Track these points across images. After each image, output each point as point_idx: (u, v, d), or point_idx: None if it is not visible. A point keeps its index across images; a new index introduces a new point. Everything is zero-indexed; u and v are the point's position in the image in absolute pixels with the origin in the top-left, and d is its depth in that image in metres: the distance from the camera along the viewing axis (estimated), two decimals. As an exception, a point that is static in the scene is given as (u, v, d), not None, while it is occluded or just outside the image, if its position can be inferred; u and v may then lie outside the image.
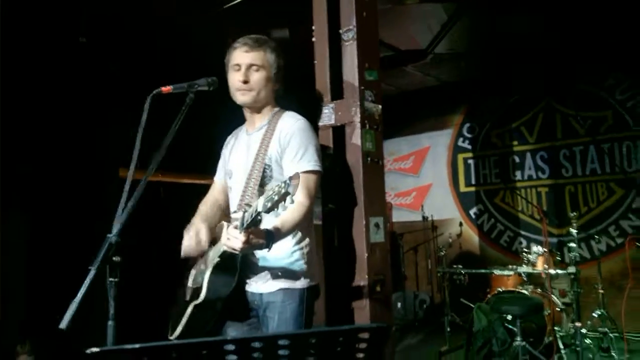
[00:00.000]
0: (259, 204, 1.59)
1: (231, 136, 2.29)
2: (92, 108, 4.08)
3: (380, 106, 2.48)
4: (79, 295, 1.41)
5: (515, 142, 6.14)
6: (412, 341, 5.43)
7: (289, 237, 1.95)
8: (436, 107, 6.60)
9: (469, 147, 6.50)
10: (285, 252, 1.97)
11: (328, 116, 2.48)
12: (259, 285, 1.98)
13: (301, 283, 1.98)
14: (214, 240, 2.02)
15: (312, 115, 2.57)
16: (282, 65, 2.10)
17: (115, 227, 1.55)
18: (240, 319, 2.03)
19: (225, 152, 2.28)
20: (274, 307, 1.94)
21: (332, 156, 2.46)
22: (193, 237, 1.99)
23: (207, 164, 2.40)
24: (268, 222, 1.81)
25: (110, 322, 1.47)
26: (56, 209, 3.82)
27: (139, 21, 3.91)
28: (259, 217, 1.63)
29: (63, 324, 1.38)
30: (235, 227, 1.73)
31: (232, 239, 1.72)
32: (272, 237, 1.78)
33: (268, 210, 1.56)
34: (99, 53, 3.99)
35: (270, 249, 1.80)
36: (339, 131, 2.48)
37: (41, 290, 3.59)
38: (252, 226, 1.69)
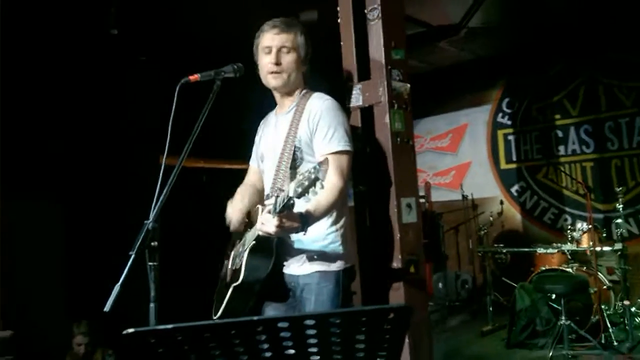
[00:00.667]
0: (290, 189, 1.60)
1: (263, 121, 2.31)
2: (130, 97, 4.18)
3: (408, 85, 2.44)
4: (121, 279, 1.48)
5: (558, 116, 5.92)
6: (454, 321, 5.39)
7: (324, 219, 1.96)
8: (472, 83, 6.43)
9: (509, 122, 6.31)
10: (320, 234, 1.99)
11: (356, 97, 2.47)
12: (295, 268, 2.01)
13: (337, 265, 1.99)
14: (250, 223, 2.06)
15: (341, 97, 2.57)
16: (310, 48, 2.10)
17: (152, 213, 1.60)
18: (279, 299, 2.06)
19: (257, 138, 2.31)
20: (310, 288, 1.96)
21: (361, 137, 2.45)
22: (237, 211, 2.08)
23: (246, 149, 2.43)
24: (302, 205, 1.83)
25: (152, 304, 1.54)
26: (97, 196, 3.96)
27: (167, 10, 3.97)
28: (292, 202, 1.65)
29: (107, 307, 1.46)
30: (269, 212, 1.75)
31: (266, 223, 1.75)
32: (306, 220, 1.79)
33: (299, 196, 1.58)
34: (130, 43, 4.08)
35: (305, 231, 1.81)
36: (367, 112, 2.46)
37: (86, 274, 3.74)
38: (284, 210, 1.71)
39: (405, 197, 2.37)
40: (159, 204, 1.65)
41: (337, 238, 2.01)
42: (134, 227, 1.64)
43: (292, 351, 1.08)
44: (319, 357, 1.11)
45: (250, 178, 2.32)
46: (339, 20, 2.57)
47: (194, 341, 1.02)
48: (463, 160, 6.68)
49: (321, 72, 2.21)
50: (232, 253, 2.15)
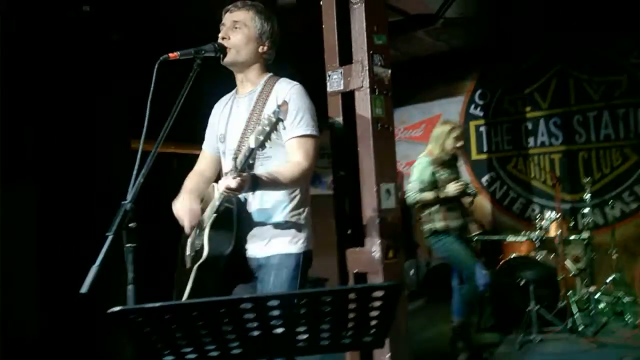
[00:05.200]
0: (251, 140, 1.58)
1: (219, 104, 2.26)
2: (102, 78, 4.05)
3: (389, 71, 2.44)
4: (98, 260, 1.44)
5: (528, 109, 6.04)
6: (424, 307, 5.48)
7: (284, 203, 1.98)
8: (447, 74, 6.49)
9: (481, 114, 6.41)
10: (282, 216, 1.99)
11: (337, 82, 2.46)
12: (256, 249, 2.00)
13: (298, 247, 2.00)
14: (204, 202, 2.03)
15: (321, 83, 2.55)
16: (269, 29, 2.06)
17: (129, 195, 1.56)
18: (244, 280, 2.06)
19: (213, 120, 2.24)
20: (269, 270, 1.97)
21: (341, 123, 2.44)
22: (189, 211, 1.95)
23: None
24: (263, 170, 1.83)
25: (130, 286, 1.50)
26: (67, 180, 3.84)
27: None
28: (253, 157, 1.63)
29: (83, 289, 1.41)
30: (233, 170, 1.70)
31: (228, 181, 1.68)
32: (257, 181, 1.75)
33: (262, 144, 1.55)
34: (103, 21, 3.95)
35: (254, 191, 1.79)
36: (348, 97, 2.46)
37: (60, 259, 3.64)
38: (246, 167, 1.68)
39: (385, 182, 2.38)
40: (136, 185, 1.61)
41: (300, 221, 2.02)
42: (109, 210, 1.60)
43: (280, 329, 1.07)
44: (307, 336, 1.11)
45: (200, 166, 2.26)
46: (321, 3, 2.54)
47: (181, 320, 1.01)
48: (436, 150, 6.75)
49: (296, 56, 2.19)
50: (189, 240, 2.11)
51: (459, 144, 3.90)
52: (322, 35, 2.56)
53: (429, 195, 3.80)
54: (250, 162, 1.65)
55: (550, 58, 5.81)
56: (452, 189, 3.79)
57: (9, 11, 3.51)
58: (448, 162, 3.95)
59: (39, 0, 3.64)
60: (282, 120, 1.50)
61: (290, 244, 1.99)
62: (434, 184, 3.84)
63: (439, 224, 3.83)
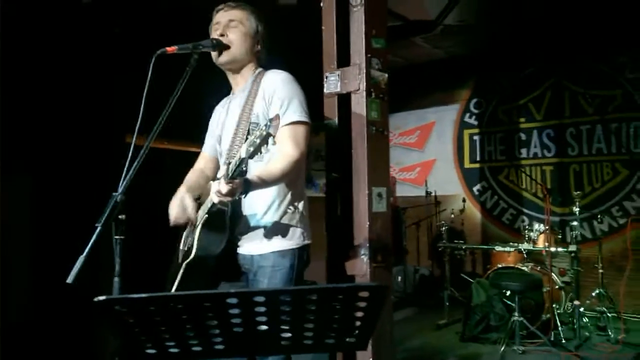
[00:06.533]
0: (242, 150, 1.57)
1: (218, 107, 2.26)
2: (98, 72, 4.05)
3: (386, 75, 2.45)
4: (86, 250, 1.44)
5: (523, 119, 6.08)
6: (410, 314, 5.49)
7: (278, 198, 1.95)
8: (444, 81, 6.52)
9: (475, 122, 6.45)
10: (276, 212, 1.96)
11: (334, 84, 2.46)
12: (249, 247, 1.98)
13: (292, 242, 1.96)
14: (200, 204, 2.02)
15: (318, 84, 2.56)
16: (262, 29, 2.08)
17: (121, 187, 1.56)
18: (231, 280, 2.04)
19: (212, 122, 2.25)
20: (265, 272, 1.94)
21: (336, 124, 2.44)
22: (179, 204, 1.99)
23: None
24: (255, 168, 1.82)
25: (116, 278, 1.50)
26: (62, 172, 3.83)
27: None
28: (244, 166, 1.61)
29: (70, 279, 1.41)
30: (224, 176, 1.68)
31: (219, 189, 1.66)
32: (249, 184, 1.73)
33: (252, 155, 1.54)
34: (103, 14, 3.94)
35: (246, 194, 1.76)
36: (344, 99, 2.46)
37: (53, 247, 3.63)
38: (237, 175, 1.65)
39: (376, 186, 2.39)
40: (127, 177, 1.60)
41: (294, 216, 1.98)
42: (101, 202, 1.59)
43: (264, 327, 1.07)
44: (290, 334, 1.11)
45: (199, 164, 2.27)
46: (321, 4, 2.54)
47: (165, 312, 1.00)
48: (429, 157, 6.79)
49: (294, 57, 2.19)
50: (184, 233, 2.11)
51: None
52: (321, 36, 2.56)
53: None
54: (243, 168, 1.62)
55: (547, 70, 5.86)
56: None
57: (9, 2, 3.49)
58: None
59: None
60: (273, 136, 1.48)
61: (284, 240, 1.95)
62: None
63: None
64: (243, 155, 1.55)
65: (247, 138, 1.86)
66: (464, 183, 6.50)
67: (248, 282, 2.01)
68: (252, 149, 1.51)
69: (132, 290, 1.31)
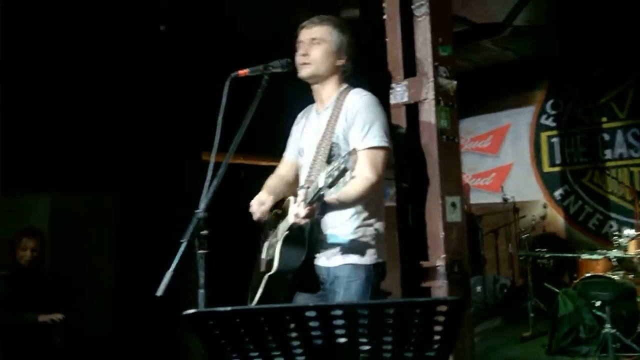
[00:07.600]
0: (320, 179, 1.61)
1: (301, 114, 2.30)
2: (176, 93, 4.29)
3: (455, 82, 2.42)
4: (173, 265, 1.53)
5: (605, 119, 5.74)
6: (493, 325, 5.29)
7: (355, 215, 1.98)
8: (516, 83, 6.30)
9: (553, 124, 6.15)
10: (352, 228, 1.99)
11: (401, 94, 2.46)
12: (326, 260, 2.02)
13: (368, 259, 1.98)
14: (283, 212, 2.08)
15: (385, 94, 2.56)
16: (346, 42, 2.08)
17: (202, 204, 1.65)
18: (310, 290, 2.08)
19: (295, 130, 2.30)
20: (340, 282, 1.97)
21: (405, 134, 2.44)
22: (257, 203, 2.09)
23: (283, 147, 2.46)
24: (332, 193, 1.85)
25: (201, 291, 1.58)
26: (145, 191, 4.09)
27: (213, 8, 4.04)
28: (322, 193, 1.65)
29: (159, 292, 1.51)
30: (301, 202, 1.77)
31: (298, 213, 1.76)
32: (325, 207, 1.80)
33: (330, 186, 1.57)
34: (178, 40, 4.18)
35: (323, 215, 1.83)
36: (412, 109, 2.45)
37: (136, 263, 3.87)
38: (315, 202, 1.72)
39: (450, 195, 2.35)
40: (208, 195, 1.69)
41: (369, 232, 2.01)
42: (183, 218, 1.69)
43: (342, 340, 1.09)
44: (369, 347, 1.12)
45: (280, 170, 2.33)
46: (384, 17, 2.56)
47: (249, 325, 1.04)
48: (504, 162, 6.55)
49: (362, 70, 2.21)
50: (266, 244, 2.18)
51: None
52: (385, 47, 2.57)
53: None
54: (321, 194, 1.68)
55: (627, 66, 5.50)
56: None
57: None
58: None
59: (120, 18, 3.91)
60: (350, 170, 1.52)
61: (360, 255, 1.98)
62: None
63: None
64: (321, 184, 1.60)
65: (327, 159, 1.96)
66: (544, 188, 6.20)
67: (325, 291, 2.05)
68: (330, 180, 1.56)
69: (215, 301, 1.38)
